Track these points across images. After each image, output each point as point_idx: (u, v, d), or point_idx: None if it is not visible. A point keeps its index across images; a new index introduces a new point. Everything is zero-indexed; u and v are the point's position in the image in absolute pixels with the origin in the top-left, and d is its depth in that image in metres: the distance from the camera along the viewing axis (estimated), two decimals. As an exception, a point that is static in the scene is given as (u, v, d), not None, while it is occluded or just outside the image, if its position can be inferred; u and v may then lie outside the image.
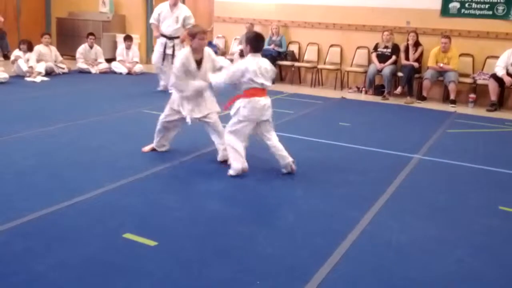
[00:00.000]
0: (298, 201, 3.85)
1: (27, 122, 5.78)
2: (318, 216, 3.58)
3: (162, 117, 4.78)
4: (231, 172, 4.31)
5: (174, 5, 8.19)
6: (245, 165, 4.31)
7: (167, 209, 3.56)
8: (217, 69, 4.65)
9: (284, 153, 4.38)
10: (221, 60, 4.76)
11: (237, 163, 4.28)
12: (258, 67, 4.24)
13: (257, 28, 10.56)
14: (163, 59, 8.15)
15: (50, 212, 3.37)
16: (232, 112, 4.38)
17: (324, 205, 3.80)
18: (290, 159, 4.38)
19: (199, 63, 4.60)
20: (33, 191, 3.75)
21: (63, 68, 9.64)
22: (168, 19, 8.15)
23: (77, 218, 3.32)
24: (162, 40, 8.15)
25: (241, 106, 4.29)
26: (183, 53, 4.60)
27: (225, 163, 4.52)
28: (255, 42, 4.32)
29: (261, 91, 4.31)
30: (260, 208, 3.68)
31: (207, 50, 4.69)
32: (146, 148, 4.88)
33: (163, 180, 4.17)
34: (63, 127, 5.63)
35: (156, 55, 8.30)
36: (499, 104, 8.36)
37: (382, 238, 3.28)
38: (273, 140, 4.43)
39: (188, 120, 4.61)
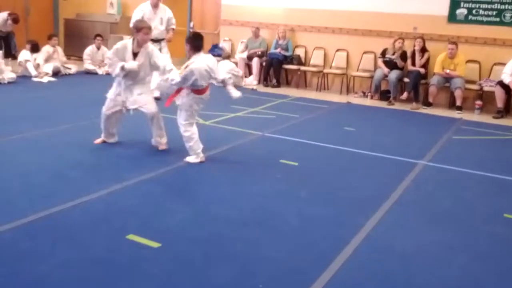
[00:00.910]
0: (302, 206, 3.84)
1: (33, 122, 5.80)
2: (322, 221, 3.57)
3: (104, 109, 5.01)
4: (188, 159, 4.63)
5: (156, 6, 7.72)
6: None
7: (171, 210, 3.57)
8: (156, 68, 4.89)
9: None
10: (162, 60, 4.92)
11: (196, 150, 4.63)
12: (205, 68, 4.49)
13: (264, 32, 10.60)
14: None
15: (55, 212, 3.38)
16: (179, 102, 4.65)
17: (328, 210, 3.79)
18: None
19: (135, 55, 4.84)
20: (37, 191, 3.77)
21: (70, 69, 9.68)
22: (152, 21, 7.49)
23: (81, 219, 3.33)
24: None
25: (193, 102, 4.63)
26: (123, 42, 4.90)
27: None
28: (198, 41, 4.56)
29: (207, 88, 4.69)
30: (264, 212, 3.68)
31: (151, 47, 4.92)
32: (98, 140, 5.09)
33: (168, 182, 4.18)
34: (68, 128, 5.65)
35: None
36: (506, 111, 8.32)
37: (386, 244, 3.27)
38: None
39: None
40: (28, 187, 3.85)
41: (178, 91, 4.66)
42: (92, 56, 10.27)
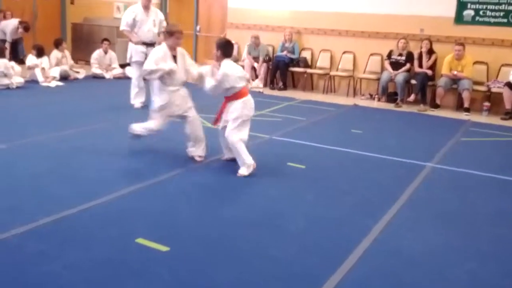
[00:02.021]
0: (309, 207, 3.84)
1: (41, 126, 5.84)
2: (329, 223, 3.57)
3: (152, 125, 4.96)
4: (241, 172, 4.45)
5: (147, 7, 7.26)
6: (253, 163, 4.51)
7: (179, 214, 3.58)
8: (189, 73, 4.91)
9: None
10: (194, 66, 4.97)
11: (247, 161, 4.44)
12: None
13: (270, 34, 10.61)
14: None
15: (64, 216, 3.40)
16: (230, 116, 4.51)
17: (336, 212, 3.79)
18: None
19: (174, 59, 4.86)
20: (47, 195, 3.79)
21: (79, 72, 9.74)
22: (145, 23, 7.19)
23: (91, 222, 3.35)
24: (141, 48, 7.13)
25: (242, 107, 4.48)
26: (161, 49, 4.84)
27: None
28: (228, 48, 4.55)
29: (246, 88, 4.61)
30: (271, 213, 3.68)
31: (181, 50, 4.94)
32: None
33: (175, 185, 4.19)
34: (77, 132, 5.68)
35: (136, 69, 7.21)
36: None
37: (394, 246, 3.27)
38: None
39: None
40: (37, 191, 3.87)
41: (223, 107, 4.60)
42: (100, 60, 10.32)
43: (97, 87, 9.10)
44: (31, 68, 9.05)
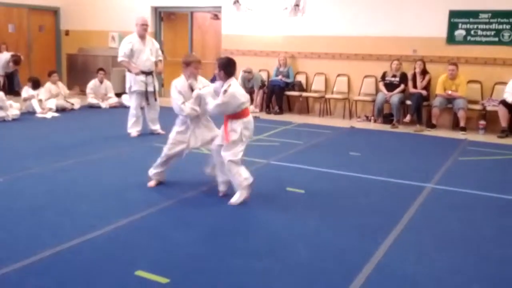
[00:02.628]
0: (310, 234, 3.80)
1: (38, 158, 5.81)
2: (331, 249, 3.53)
3: (166, 150, 4.84)
4: (236, 199, 4.39)
5: (143, 37, 7.28)
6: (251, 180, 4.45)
7: (179, 244, 3.53)
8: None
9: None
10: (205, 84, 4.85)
11: (245, 181, 4.39)
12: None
13: (265, 59, 10.69)
14: (147, 98, 7.29)
15: (62, 249, 3.35)
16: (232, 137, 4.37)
17: (337, 237, 3.75)
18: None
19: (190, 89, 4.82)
20: (44, 228, 3.74)
21: (73, 104, 9.72)
22: (143, 52, 7.22)
23: (89, 255, 3.30)
24: (141, 77, 7.17)
25: (242, 128, 4.36)
26: (180, 83, 4.76)
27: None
28: (229, 67, 4.44)
29: (248, 111, 4.49)
30: (272, 242, 3.64)
31: (202, 79, 4.90)
32: (152, 183, 4.87)
33: (174, 215, 4.14)
34: (74, 163, 5.65)
35: (136, 99, 7.27)
36: (510, 131, 8.29)
37: (397, 270, 3.23)
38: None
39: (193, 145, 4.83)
40: (35, 224, 3.83)
41: (226, 125, 4.41)
42: (95, 90, 10.34)
43: (93, 117, 9.10)
44: (26, 99, 9.06)
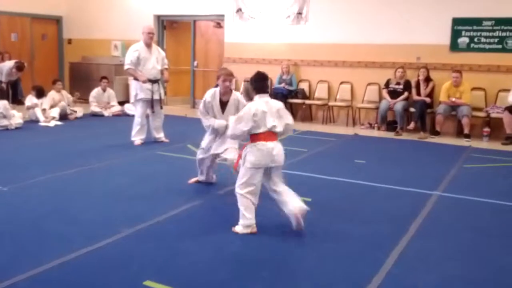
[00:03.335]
0: (318, 243, 3.76)
1: (42, 167, 5.79)
2: (341, 259, 3.50)
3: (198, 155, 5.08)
4: (236, 228, 3.91)
5: (149, 45, 7.26)
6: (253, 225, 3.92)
7: (186, 253, 3.50)
8: None
9: (291, 206, 3.89)
10: None
11: (245, 220, 3.90)
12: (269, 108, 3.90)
13: (267, 67, 10.67)
14: (152, 106, 7.26)
15: (69, 259, 3.31)
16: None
17: (346, 246, 3.71)
18: (298, 211, 3.86)
19: (224, 105, 4.69)
20: (51, 238, 3.71)
21: (75, 112, 9.70)
22: (149, 60, 7.20)
23: (97, 265, 3.26)
24: (147, 85, 7.14)
25: (248, 152, 3.91)
26: (211, 91, 4.69)
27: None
28: (258, 82, 3.99)
29: (269, 134, 3.90)
30: (280, 251, 3.60)
31: (237, 96, 4.73)
32: (192, 180, 5.21)
33: (181, 223, 4.11)
34: (78, 171, 5.63)
35: (141, 107, 7.24)
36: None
37: (408, 280, 3.19)
38: (281, 192, 3.97)
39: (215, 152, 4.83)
40: (41, 234, 3.79)
41: (243, 147, 4.03)
42: (98, 99, 10.34)
43: (96, 126, 9.08)
44: (30, 108, 9.06)
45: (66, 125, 8.95)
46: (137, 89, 7.23)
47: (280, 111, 3.98)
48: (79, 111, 9.86)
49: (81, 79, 12.24)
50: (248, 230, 3.87)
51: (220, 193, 4.94)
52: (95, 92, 10.33)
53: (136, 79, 7.19)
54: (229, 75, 4.61)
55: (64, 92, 9.86)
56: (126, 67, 7.20)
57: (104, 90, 10.38)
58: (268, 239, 3.84)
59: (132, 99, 7.44)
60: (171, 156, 6.56)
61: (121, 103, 10.68)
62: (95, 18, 12.85)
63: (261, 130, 3.86)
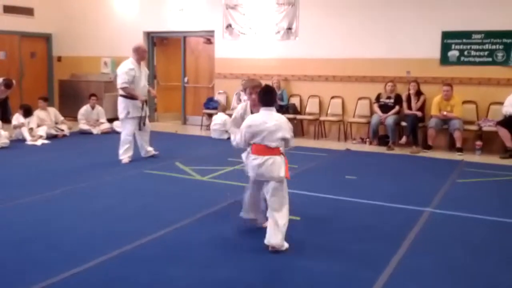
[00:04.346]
0: (308, 263, 3.64)
1: (27, 187, 5.65)
2: (331, 279, 3.38)
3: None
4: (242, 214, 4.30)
5: (140, 62, 7.22)
6: (254, 217, 4.25)
7: (170, 278, 3.37)
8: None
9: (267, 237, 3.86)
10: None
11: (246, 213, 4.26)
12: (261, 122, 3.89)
13: (258, 83, 10.60)
14: (139, 123, 7.20)
15: (47, 285, 3.17)
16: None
17: (336, 266, 3.59)
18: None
19: None
20: (31, 263, 3.57)
21: (63, 131, 9.57)
22: (141, 78, 7.19)
23: (76, 292, 3.13)
24: (138, 103, 7.14)
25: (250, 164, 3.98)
26: (242, 105, 4.56)
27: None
28: (263, 95, 4.02)
29: (262, 148, 3.87)
30: (268, 273, 3.48)
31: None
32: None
33: (166, 246, 3.97)
34: (63, 192, 5.49)
35: (131, 125, 7.16)
36: (505, 151, 8.19)
37: (400, 302, 3.07)
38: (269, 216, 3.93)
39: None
40: (22, 257, 3.65)
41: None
42: (87, 116, 10.22)
43: (84, 144, 8.95)
44: (16, 127, 8.92)
45: (53, 143, 8.82)
46: (128, 107, 7.14)
47: (282, 125, 3.94)
48: (67, 129, 9.71)
49: (70, 97, 12.12)
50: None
51: (209, 213, 4.81)
52: (84, 109, 10.22)
53: (131, 97, 7.09)
54: (255, 87, 4.36)
55: (51, 110, 9.73)
56: (123, 85, 7.07)
57: (93, 108, 10.27)
58: (256, 261, 3.71)
59: (121, 117, 7.29)
60: (159, 175, 6.43)
61: (111, 120, 10.56)
62: (84, 36, 12.79)
63: (255, 141, 3.90)
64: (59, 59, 13.38)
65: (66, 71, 12.99)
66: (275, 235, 3.82)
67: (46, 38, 13.32)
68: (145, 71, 7.39)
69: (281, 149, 3.95)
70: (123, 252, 3.75)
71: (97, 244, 3.92)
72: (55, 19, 13.12)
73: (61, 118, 9.86)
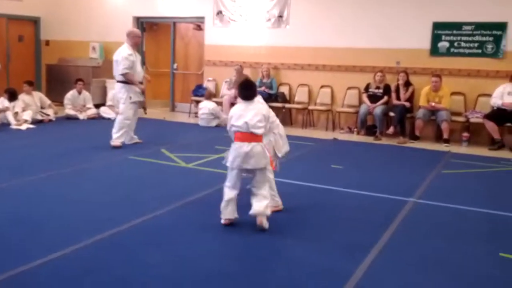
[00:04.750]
0: (290, 254, 3.62)
1: (9, 172, 5.58)
2: (311, 269, 3.35)
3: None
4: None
5: (134, 47, 7.26)
6: (229, 216, 4.09)
7: (149, 266, 3.32)
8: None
9: (253, 209, 4.02)
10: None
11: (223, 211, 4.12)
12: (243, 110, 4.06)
13: (247, 71, 10.56)
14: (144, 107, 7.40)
15: (21, 271, 3.13)
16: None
17: (316, 256, 3.57)
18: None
19: None
20: (8, 247, 3.52)
21: (48, 115, 9.46)
22: (137, 63, 7.26)
23: (50, 278, 3.08)
24: (137, 89, 7.21)
25: (229, 153, 4.10)
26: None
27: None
28: (241, 91, 4.16)
29: (246, 135, 4.00)
30: (250, 263, 3.45)
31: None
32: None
33: (146, 233, 3.92)
34: (45, 177, 5.42)
35: (133, 109, 7.27)
36: (493, 143, 8.21)
37: (377, 293, 3.06)
38: (255, 195, 4.07)
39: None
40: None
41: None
42: (73, 101, 10.11)
43: (70, 129, 8.85)
44: (1, 111, 8.79)
45: (38, 128, 8.72)
46: (129, 92, 7.16)
47: (260, 112, 4.06)
48: (53, 114, 9.61)
49: (58, 81, 11.97)
50: (223, 222, 4.10)
51: (190, 200, 4.77)
52: (70, 94, 10.10)
53: (132, 83, 7.11)
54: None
55: (36, 94, 9.60)
56: (124, 71, 7.06)
57: (79, 93, 10.16)
58: (236, 250, 3.69)
59: (122, 102, 7.23)
60: (144, 161, 6.38)
61: (97, 106, 10.46)
62: (73, 20, 12.62)
63: (237, 130, 4.03)
64: (47, 43, 13.20)
65: (54, 55, 12.82)
66: (259, 201, 4.01)
67: (34, 22, 13.13)
68: (139, 56, 7.41)
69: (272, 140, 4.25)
70: (101, 239, 3.71)
71: (75, 231, 3.87)
72: (44, 2, 12.94)
73: (48, 102, 9.75)
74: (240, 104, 4.14)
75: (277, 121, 4.55)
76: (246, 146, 3.98)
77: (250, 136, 4.00)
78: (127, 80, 7.11)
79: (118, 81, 7.20)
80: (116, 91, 7.34)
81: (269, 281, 3.18)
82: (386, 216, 4.48)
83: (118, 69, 7.10)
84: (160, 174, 5.81)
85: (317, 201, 4.96)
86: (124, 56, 7.05)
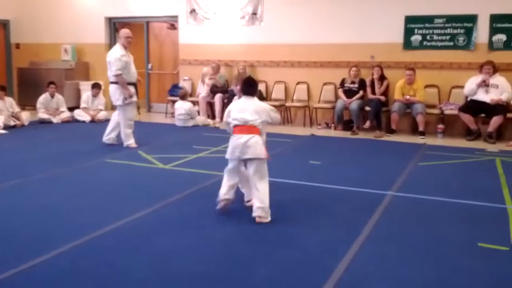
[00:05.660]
0: (270, 251, 3.60)
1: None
2: (291, 266, 3.34)
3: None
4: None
5: (126, 47, 7.26)
6: (225, 197, 4.31)
7: (128, 269, 3.27)
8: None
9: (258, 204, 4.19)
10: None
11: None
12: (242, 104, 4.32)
13: (223, 69, 10.52)
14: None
15: (-3, 282, 3.05)
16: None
17: (296, 253, 3.57)
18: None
19: None
20: (-21, 258, 3.42)
21: (18, 120, 9.25)
22: (131, 64, 7.27)
23: (27, 286, 3.00)
24: (132, 88, 7.23)
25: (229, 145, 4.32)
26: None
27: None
28: (244, 86, 4.43)
29: (244, 128, 4.22)
30: (231, 262, 3.42)
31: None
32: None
33: (124, 237, 3.86)
34: (17, 184, 5.30)
35: (132, 109, 7.37)
36: (469, 133, 8.33)
37: (361, 287, 3.06)
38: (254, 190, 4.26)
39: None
40: (-32, 254, 3.50)
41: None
42: (46, 105, 9.91)
43: (43, 133, 8.67)
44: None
45: (10, 133, 8.52)
46: (124, 93, 7.12)
47: (260, 108, 4.31)
48: (26, 118, 9.40)
49: (30, 85, 11.73)
50: (219, 206, 4.32)
51: (168, 202, 4.72)
52: (43, 98, 9.90)
53: (122, 85, 7.07)
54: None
55: (7, 100, 9.38)
56: (116, 73, 7.02)
57: (52, 96, 9.97)
58: (217, 248, 3.65)
59: (119, 103, 7.18)
60: (121, 164, 6.29)
61: (71, 109, 10.29)
62: (44, 22, 12.39)
63: (235, 123, 4.27)
64: (18, 46, 12.94)
65: (25, 58, 12.56)
66: (259, 198, 4.19)
67: (4, 25, 12.85)
68: (132, 56, 7.38)
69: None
70: (79, 245, 3.64)
71: (51, 238, 3.78)
72: (13, 5, 12.67)
73: (17, 109, 9.48)
74: (241, 99, 4.42)
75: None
76: (244, 138, 4.19)
77: (248, 129, 4.22)
78: (118, 82, 7.06)
79: (112, 82, 7.17)
80: (111, 92, 7.28)
81: (251, 279, 3.16)
82: (365, 210, 4.49)
83: (112, 70, 7.06)
84: (138, 176, 5.74)
85: (297, 198, 4.95)
86: (116, 57, 7.02)
